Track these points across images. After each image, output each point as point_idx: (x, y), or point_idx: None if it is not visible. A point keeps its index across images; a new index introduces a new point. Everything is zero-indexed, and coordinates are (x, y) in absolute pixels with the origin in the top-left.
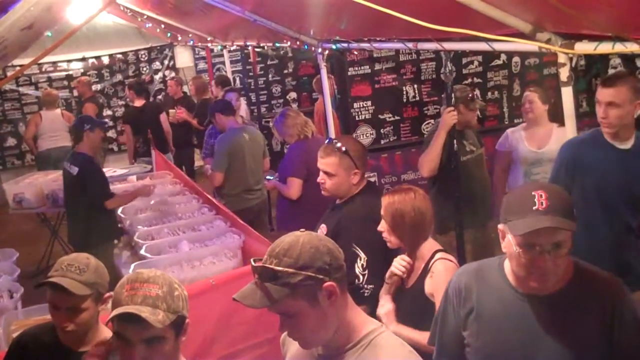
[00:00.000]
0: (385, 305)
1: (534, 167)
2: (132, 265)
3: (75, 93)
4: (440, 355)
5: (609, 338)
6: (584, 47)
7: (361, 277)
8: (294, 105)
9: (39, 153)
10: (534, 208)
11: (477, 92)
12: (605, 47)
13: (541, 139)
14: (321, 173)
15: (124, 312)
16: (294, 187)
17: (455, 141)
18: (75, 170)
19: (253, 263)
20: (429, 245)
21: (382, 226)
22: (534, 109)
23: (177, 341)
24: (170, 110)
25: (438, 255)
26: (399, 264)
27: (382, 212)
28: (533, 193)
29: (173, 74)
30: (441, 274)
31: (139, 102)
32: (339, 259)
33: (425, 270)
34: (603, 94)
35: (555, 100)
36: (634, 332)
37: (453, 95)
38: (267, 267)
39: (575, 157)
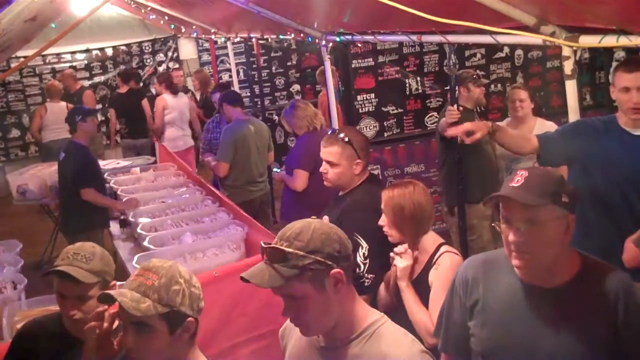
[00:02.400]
0: (405, 260)
1: (515, 163)
2: (136, 257)
3: (77, 85)
4: (445, 346)
5: (614, 333)
6: (589, 40)
7: (362, 266)
8: (298, 98)
9: (43, 144)
10: (510, 184)
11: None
12: (609, 40)
13: None
14: (324, 163)
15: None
16: (300, 179)
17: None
18: (62, 156)
19: (263, 245)
20: (431, 238)
21: (383, 220)
22: (525, 106)
23: (174, 337)
24: None
25: (444, 248)
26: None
27: (382, 207)
28: (518, 172)
29: (177, 66)
30: (447, 266)
31: (123, 89)
32: (347, 248)
33: (430, 263)
34: (631, 79)
35: (537, 96)
36: (639, 328)
37: (457, 87)
38: (277, 248)
39: (588, 138)
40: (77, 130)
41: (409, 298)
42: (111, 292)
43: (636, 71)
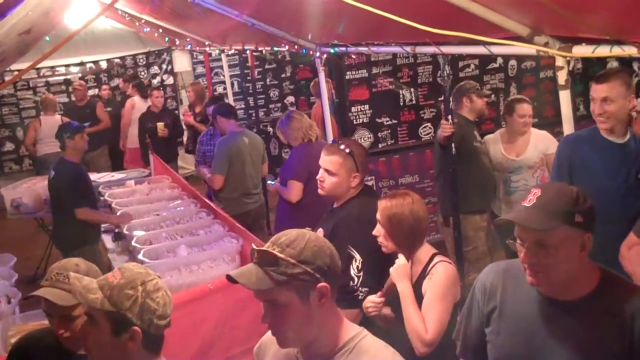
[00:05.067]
0: (401, 259)
1: (513, 174)
2: None
3: (73, 97)
4: (464, 350)
5: (628, 352)
6: (582, 51)
7: (356, 279)
8: (293, 109)
9: (37, 158)
10: (523, 203)
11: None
12: (603, 50)
13: (520, 147)
14: (321, 170)
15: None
16: (294, 190)
17: (453, 145)
18: (51, 174)
19: (255, 247)
20: (426, 249)
21: (378, 230)
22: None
23: (117, 340)
24: (158, 124)
25: (437, 258)
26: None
27: (378, 217)
28: (532, 190)
29: (172, 79)
30: (440, 276)
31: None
32: (337, 265)
33: (424, 274)
34: (597, 90)
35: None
36: None
37: (451, 99)
38: (269, 252)
39: (572, 153)
40: (66, 147)
41: (407, 302)
42: (72, 274)
43: (602, 83)
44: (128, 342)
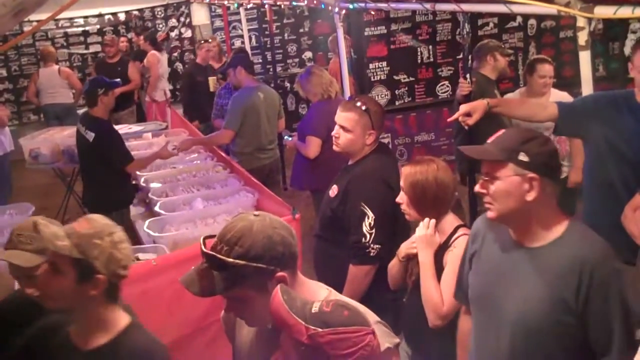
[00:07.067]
0: (427, 230)
1: None
2: (147, 222)
3: (91, 49)
4: (458, 292)
5: (583, 302)
6: (604, 11)
7: (368, 235)
8: (312, 64)
9: (41, 108)
10: (488, 139)
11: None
12: (625, 12)
13: None
14: (337, 127)
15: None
16: (313, 146)
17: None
18: (91, 136)
19: (203, 247)
20: (450, 219)
21: (402, 198)
22: (551, 82)
23: (79, 287)
24: (210, 78)
25: (461, 231)
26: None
27: (401, 184)
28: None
29: (190, 32)
30: (461, 250)
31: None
32: (292, 246)
33: (446, 245)
34: None
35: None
36: (600, 304)
37: (471, 57)
38: (217, 257)
39: (603, 110)
40: (97, 104)
41: (427, 273)
42: (40, 221)
43: None
44: (91, 290)
